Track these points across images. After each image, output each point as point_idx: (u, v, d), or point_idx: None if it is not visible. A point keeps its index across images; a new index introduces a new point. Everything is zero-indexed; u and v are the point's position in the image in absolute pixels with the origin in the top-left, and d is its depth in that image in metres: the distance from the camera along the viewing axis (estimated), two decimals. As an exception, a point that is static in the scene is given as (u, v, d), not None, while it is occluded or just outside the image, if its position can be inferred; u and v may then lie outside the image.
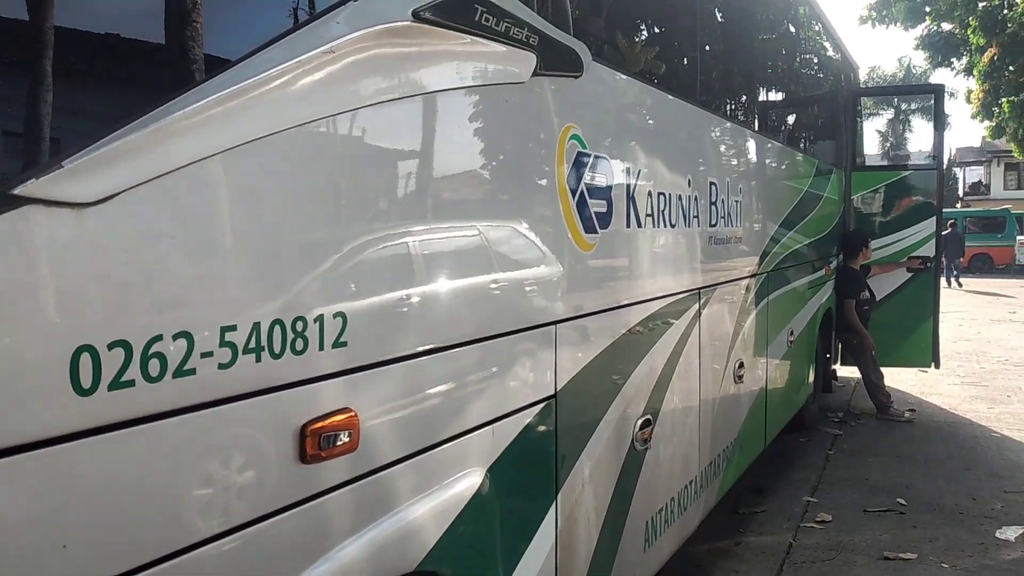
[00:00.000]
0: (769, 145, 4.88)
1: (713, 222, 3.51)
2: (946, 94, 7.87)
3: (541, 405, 2.13)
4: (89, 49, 1.15)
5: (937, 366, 7.36)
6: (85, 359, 1.03)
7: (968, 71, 25.50)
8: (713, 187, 3.51)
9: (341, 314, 1.43)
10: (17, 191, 0.96)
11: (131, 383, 1.09)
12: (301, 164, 1.38)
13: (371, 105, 1.50)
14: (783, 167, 5.25)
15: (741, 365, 4.05)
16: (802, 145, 6.27)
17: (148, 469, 1.13)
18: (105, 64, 1.17)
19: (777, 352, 4.93)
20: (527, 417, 2.07)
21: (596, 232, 2.37)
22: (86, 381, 1.03)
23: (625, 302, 2.66)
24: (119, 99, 1.19)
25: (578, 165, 2.26)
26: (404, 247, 1.61)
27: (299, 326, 1.34)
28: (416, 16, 1.58)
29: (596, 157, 2.37)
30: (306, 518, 1.37)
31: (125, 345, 1.08)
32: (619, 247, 2.58)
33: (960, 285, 19.92)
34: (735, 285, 3.97)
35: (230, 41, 1.32)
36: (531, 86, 2.02)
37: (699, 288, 3.36)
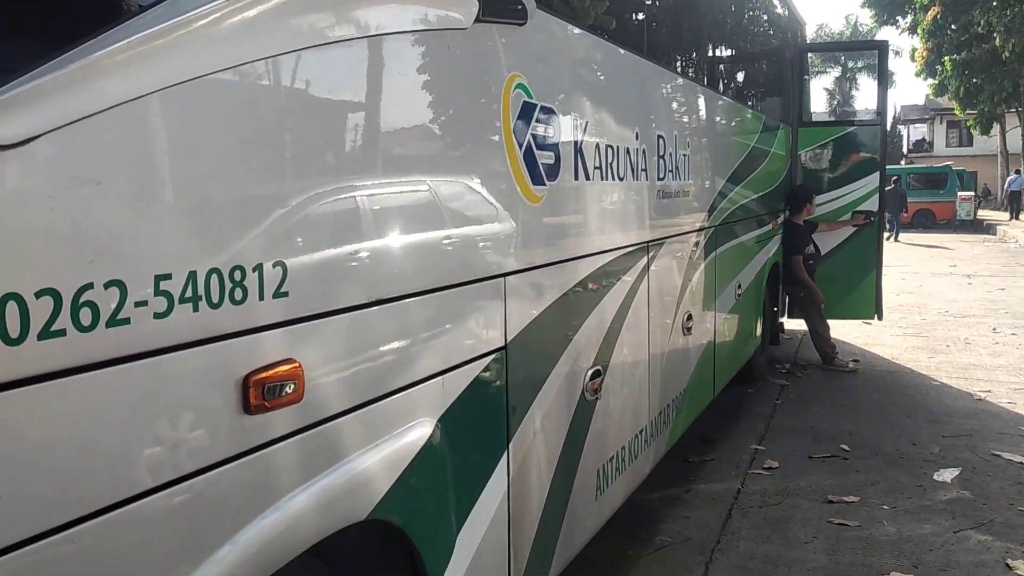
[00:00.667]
0: (717, 100, 4.90)
1: (661, 176, 3.53)
2: (890, 52, 7.98)
3: (491, 356, 2.14)
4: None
5: (880, 318, 7.59)
6: (12, 308, 1.00)
7: (912, 29, 25.97)
8: (661, 141, 3.53)
9: (281, 263, 1.41)
10: (-71, 131, 0.92)
11: (62, 332, 1.05)
12: (237, 107, 1.34)
13: (309, 48, 1.47)
14: (731, 122, 5.29)
15: (690, 317, 4.11)
16: (750, 101, 6.32)
17: (86, 420, 1.11)
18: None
19: (725, 305, 5.02)
20: (477, 368, 2.07)
21: (544, 184, 2.37)
22: (13, 330, 1.00)
23: (574, 255, 2.67)
24: (43, 36, 1.13)
25: (524, 115, 2.24)
26: (346, 197, 1.58)
27: (237, 275, 1.32)
28: (353, -43, 1.54)
29: (543, 108, 2.35)
30: (253, 468, 1.36)
31: (54, 293, 1.04)
32: (567, 200, 2.58)
33: (896, 240, 20.41)
34: (683, 239, 4.02)
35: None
36: (474, 32, 1.99)
37: (647, 242, 3.39)
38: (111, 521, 1.14)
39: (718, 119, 4.90)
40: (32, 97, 1.03)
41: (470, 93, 2.03)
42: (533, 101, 2.29)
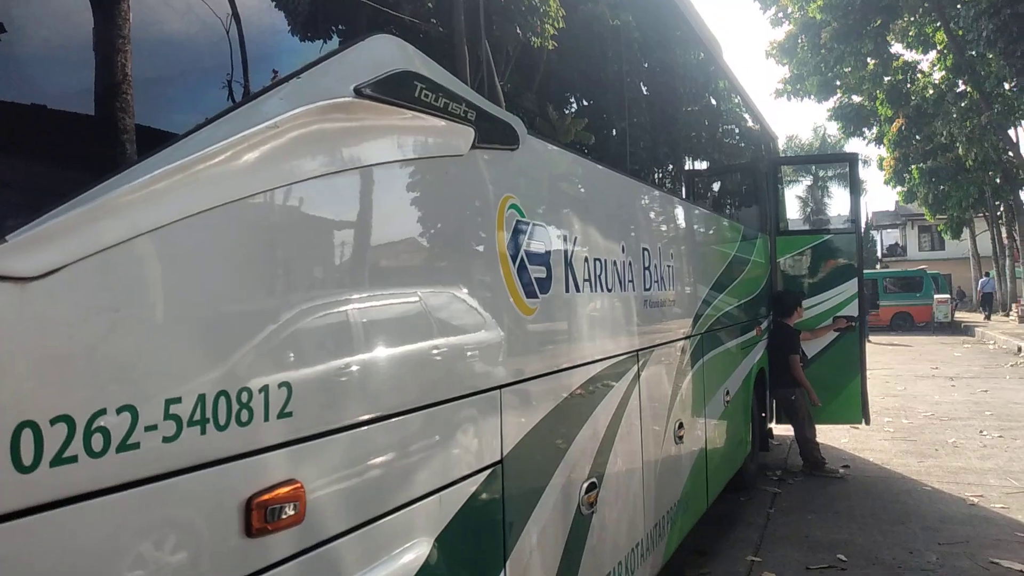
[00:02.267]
0: (697, 212, 5.07)
1: (647, 286, 3.62)
2: (860, 162, 8.33)
3: (488, 471, 2.13)
4: (28, 124, 1.16)
5: (867, 422, 7.60)
6: (27, 435, 1.01)
7: (879, 140, 27.10)
8: (646, 252, 3.63)
9: (286, 384, 1.43)
10: (-39, 266, 0.96)
11: (74, 459, 1.07)
12: (246, 237, 1.39)
13: (315, 178, 1.54)
14: (711, 232, 5.45)
15: (681, 425, 4.11)
16: (728, 211, 6.53)
17: (93, 545, 1.10)
18: (47, 140, 1.18)
19: (714, 411, 5.03)
20: (474, 484, 2.06)
21: (537, 297, 2.43)
22: (27, 458, 1.01)
23: (567, 365, 2.70)
24: (62, 175, 1.19)
25: (517, 233, 2.32)
26: (349, 317, 1.63)
27: (244, 397, 1.34)
28: (358, 92, 1.63)
29: (534, 225, 2.44)
30: (252, 593, 1.34)
31: (68, 420, 1.06)
32: (559, 311, 2.63)
33: (869, 341, 20.55)
34: (671, 347, 4.07)
35: (176, 116, 1.35)
36: (470, 158, 2.09)
37: (637, 350, 3.43)
38: (110, 654, 1.11)
39: (699, 230, 5.05)
40: (52, 233, 1.08)
41: (467, 214, 2.12)
42: (525, 219, 2.38)
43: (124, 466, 1.13)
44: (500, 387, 2.21)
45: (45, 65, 1.19)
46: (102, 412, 1.11)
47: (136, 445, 1.15)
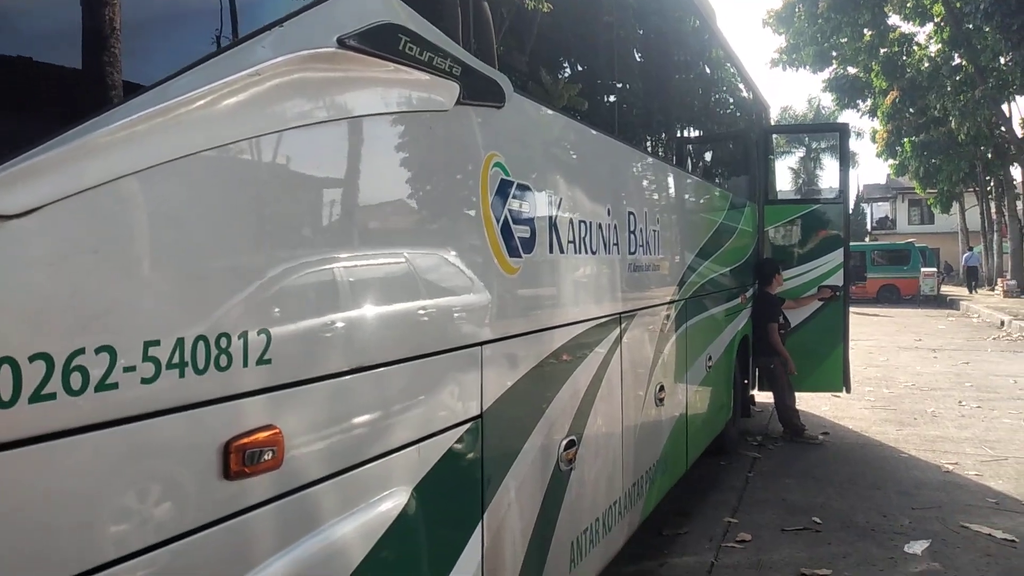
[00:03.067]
0: (685, 179, 5.08)
1: (632, 250, 3.64)
2: (852, 133, 8.35)
3: (467, 425, 2.17)
4: (11, 66, 1.16)
5: (848, 391, 7.70)
6: (5, 371, 1.03)
7: (872, 112, 27.06)
8: (632, 217, 3.64)
9: (265, 331, 1.45)
10: (-62, 202, 0.97)
11: (52, 396, 1.08)
12: (226, 183, 1.40)
13: (296, 127, 1.54)
14: (699, 200, 5.46)
15: (662, 388, 4.17)
16: (717, 180, 6.54)
17: (71, 484, 1.13)
18: (31, 81, 1.18)
19: (697, 377, 5.09)
20: (453, 437, 2.10)
21: (520, 256, 2.44)
22: (6, 394, 1.03)
23: (548, 325, 2.73)
24: (45, 116, 1.19)
25: (502, 192, 2.33)
26: (329, 268, 1.64)
27: (223, 342, 1.36)
28: (341, 43, 1.63)
29: (519, 185, 2.45)
30: (231, 535, 1.37)
31: (47, 358, 1.08)
32: (543, 272, 2.65)
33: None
34: (654, 311, 4.10)
35: (158, 62, 1.34)
36: (454, 115, 2.09)
37: (620, 313, 3.46)
38: (91, 586, 1.14)
39: (686, 197, 5.06)
40: (34, 171, 1.09)
41: (450, 171, 2.12)
42: (510, 178, 2.39)
43: (103, 405, 1.15)
44: (481, 344, 2.23)
45: (31, 9, 1.18)
46: (80, 352, 1.12)
47: (115, 385, 1.17)
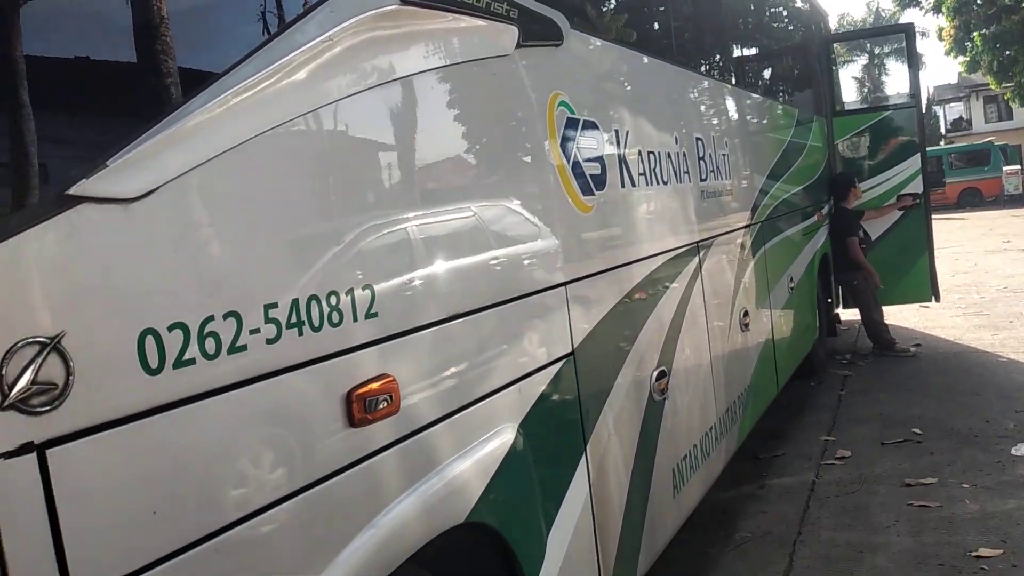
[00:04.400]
0: (749, 98, 4.96)
1: (703, 176, 3.60)
2: (917, 33, 7.92)
3: (561, 363, 2.22)
4: (112, 61, 1.24)
5: (937, 299, 7.47)
6: (150, 341, 1.12)
7: (936, 9, 25.57)
8: (699, 143, 3.60)
9: (369, 287, 1.52)
10: (72, 191, 1.05)
11: (192, 361, 1.17)
12: (316, 149, 1.46)
13: (373, 87, 1.59)
14: (764, 119, 5.33)
15: (746, 314, 4.15)
16: (781, 96, 6.35)
17: (215, 441, 1.22)
18: (136, 67, 1.25)
19: (779, 299, 5.04)
20: (549, 375, 2.16)
21: (593, 194, 2.46)
22: (153, 361, 1.12)
23: (628, 260, 2.75)
24: (148, 101, 1.26)
25: (568, 130, 2.34)
26: (419, 223, 1.70)
27: (333, 300, 1.43)
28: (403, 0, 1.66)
29: (585, 122, 2.45)
30: (363, 477, 1.47)
31: (183, 327, 1.17)
32: (617, 207, 2.67)
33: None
34: (731, 237, 4.07)
35: (239, 39, 1.40)
36: (515, 58, 2.11)
37: (697, 242, 3.45)
38: (244, 532, 1.25)
39: (752, 117, 4.95)
40: (146, 155, 1.16)
41: (517, 115, 2.15)
42: (576, 116, 2.39)
43: (236, 366, 1.24)
44: (564, 284, 2.28)
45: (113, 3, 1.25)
46: (210, 319, 1.21)
47: (244, 347, 1.25)
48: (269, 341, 1.30)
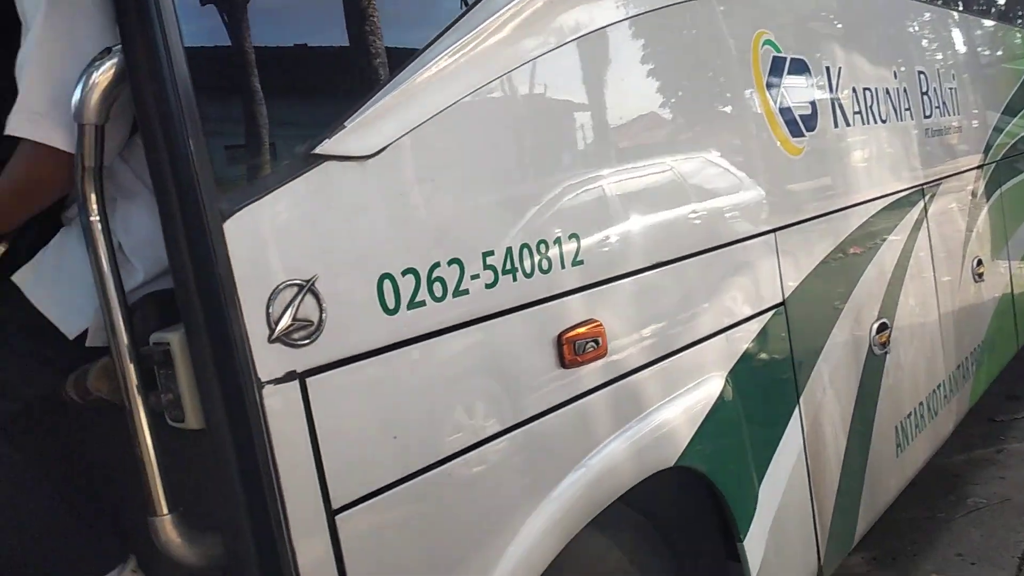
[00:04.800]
0: (979, 26, 4.45)
1: (927, 113, 3.30)
2: None
3: (770, 312, 2.16)
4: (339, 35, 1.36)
5: None
6: (387, 284, 1.24)
7: None
8: (922, 76, 3.30)
9: (575, 235, 1.57)
10: (317, 150, 1.18)
11: (423, 303, 1.28)
12: (524, 106, 1.53)
13: (573, 41, 1.62)
14: (999, 47, 4.76)
15: (979, 263, 3.77)
16: (1019, 20, 5.62)
17: (444, 376, 1.33)
18: (375, 31, 1.37)
19: (1020, 247, 4.52)
20: (758, 324, 2.11)
21: (803, 135, 2.34)
22: (390, 302, 1.24)
23: (842, 205, 2.60)
24: (374, 66, 1.37)
25: (775, 70, 2.24)
26: (622, 172, 1.71)
27: (542, 248, 1.49)
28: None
29: (792, 60, 2.34)
30: (575, 415, 1.53)
31: (414, 272, 1.28)
32: (829, 148, 2.52)
33: None
34: (960, 178, 3.70)
35: (446, 7, 1.48)
36: (718, -2, 2.05)
37: (922, 184, 3.18)
38: (469, 461, 1.35)
39: (983, 46, 4.44)
40: (377, 116, 1.27)
41: (721, 57, 2.09)
42: (782, 54, 2.29)
43: (460, 308, 1.34)
44: (774, 230, 2.20)
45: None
46: (437, 265, 1.31)
47: (467, 291, 1.35)
48: (488, 286, 1.39)
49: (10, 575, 1.63)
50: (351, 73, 1.33)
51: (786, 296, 2.23)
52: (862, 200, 2.71)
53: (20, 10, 1.29)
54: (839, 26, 2.79)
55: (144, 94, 1.07)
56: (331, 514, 1.15)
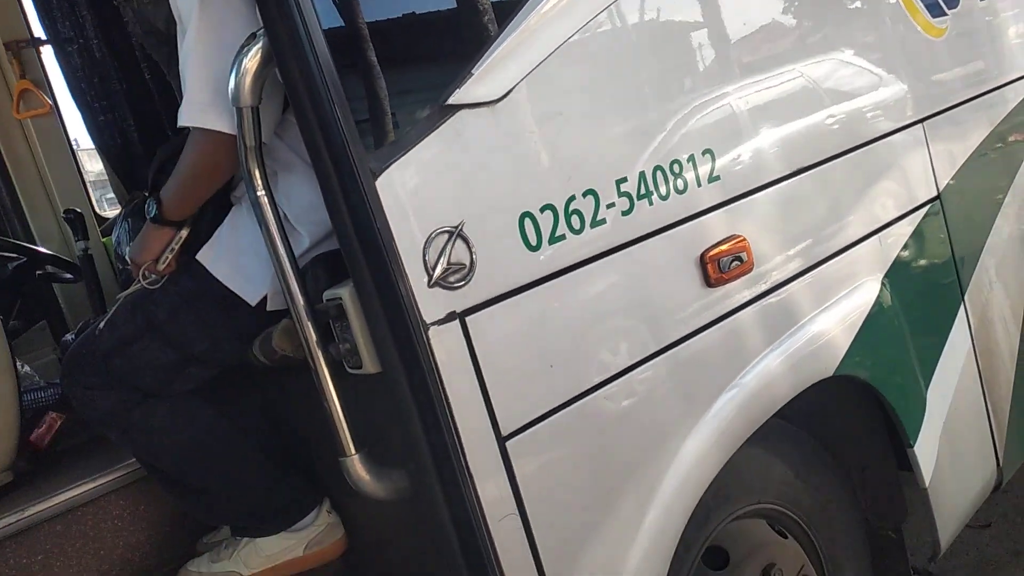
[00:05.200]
0: None
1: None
2: None
3: (925, 208, 2.05)
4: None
5: None
6: (528, 223, 1.29)
7: None
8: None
9: (709, 151, 1.55)
10: (450, 101, 1.23)
11: (563, 237, 1.33)
12: (643, 29, 1.52)
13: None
14: None
15: None
16: None
17: (591, 305, 1.37)
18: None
19: None
20: (912, 223, 2.01)
21: (944, 14, 2.18)
22: (532, 239, 1.29)
23: (995, 84, 2.40)
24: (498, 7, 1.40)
25: (906, -53, 2.09)
26: (755, 79, 1.68)
27: (676, 168, 1.49)
28: None
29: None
30: (725, 333, 1.54)
31: (551, 208, 1.32)
32: (976, 25, 2.33)
33: None
34: None
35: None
36: None
37: (1089, 51, 2.87)
38: (625, 383, 1.40)
39: None
40: (499, 60, 1.31)
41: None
42: (912, -71, 2.12)
43: (599, 238, 1.37)
44: (921, 120, 2.07)
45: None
46: (572, 198, 1.34)
47: (604, 221, 1.38)
48: (624, 213, 1.41)
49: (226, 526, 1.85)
50: (471, 26, 1.38)
51: (940, 188, 2.11)
52: (1018, 77, 2.49)
53: (175, 11, 1.41)
54: None
55: (290, 73, 1.16)
56: (501, 440, 1.24)
